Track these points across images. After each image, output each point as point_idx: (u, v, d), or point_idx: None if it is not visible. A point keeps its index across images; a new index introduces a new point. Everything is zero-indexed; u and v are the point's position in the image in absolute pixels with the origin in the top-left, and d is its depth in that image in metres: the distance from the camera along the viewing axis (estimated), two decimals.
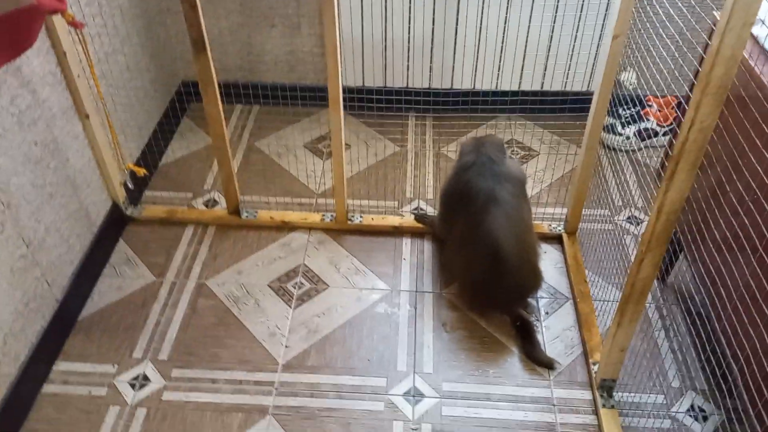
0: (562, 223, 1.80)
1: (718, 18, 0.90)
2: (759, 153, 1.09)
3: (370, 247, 1.78)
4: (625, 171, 2.06)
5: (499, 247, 1.46)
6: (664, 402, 1.41)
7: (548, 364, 1.48)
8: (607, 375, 1.37)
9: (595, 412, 1.39)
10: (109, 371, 1.46)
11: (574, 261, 1.71)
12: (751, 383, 1.11)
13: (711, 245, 1.28)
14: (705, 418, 1.38)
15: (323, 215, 1.84)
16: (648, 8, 1.41)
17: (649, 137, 2.12)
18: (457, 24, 2.04)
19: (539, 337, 1.54)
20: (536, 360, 1.49)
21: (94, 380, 1.44)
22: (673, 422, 1.37)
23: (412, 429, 1.36)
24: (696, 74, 1.14)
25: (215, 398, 1.41)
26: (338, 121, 1.58)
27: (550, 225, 1.81)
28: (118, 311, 1.59)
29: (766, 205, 1.07)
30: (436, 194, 1.95)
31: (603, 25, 2.01)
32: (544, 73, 2.14)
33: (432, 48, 2.10)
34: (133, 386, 1.43)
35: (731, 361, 1.22)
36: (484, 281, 1.52)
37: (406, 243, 1.79)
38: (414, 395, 1.42)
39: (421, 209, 1.91)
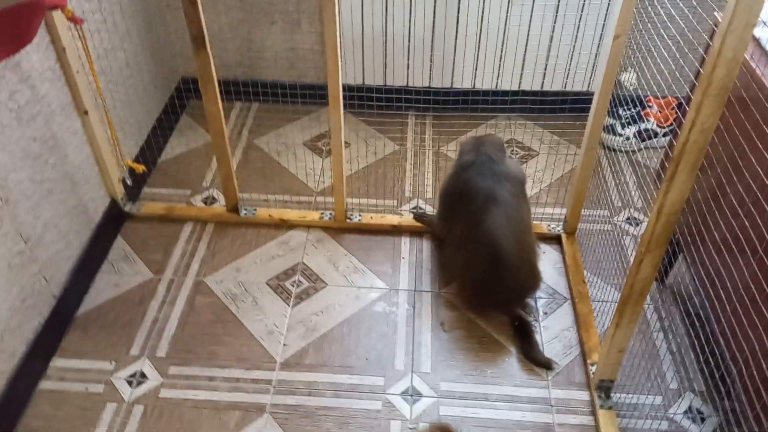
0: (561, 223, 1.80)
1: (720, 19, 0.90)
2: (760, 155, 1.09)
3: (369, 246, 1.77)
4: (625, 172, 2.06)
5: (498, 247, 1.46)
6: (662, 403, 1.41)
7: (546, 365, 1.48)
8: (605, 376, 1.37)
9: (593, 413, 1.39)
10: (107, 368, 1.45)
11: (572, 261, 1.70)
12: (749, 385, 1.11)
13: (710, 246, 1.28)
14: (702, 420, 1.38)
15: (322, 213, 1.83)
16: (649, 8, 1.40)
17: (650, 138, 2.12)
18: (457, 23, 2.04)
19: (537, 337, 1.54)
20: (534, 360, 1.49)
21: (91, 377, 1.44)
22: (671, 424, 1.37)
23: (410, 428, 1.36)
24: (697, 75, 1.13)
25: (213, 396, 1.41)
26: (338, 120, 1.58)
27: (549, 225, 1.81)
28: (116, 308, 1.59)
29: (766, 207, 1.07)
30: (435, 193, 1.94)
31: (604, 25, 2.01)
32: (545, 73, 2.14)
33: (432, 47, 2.10)
34: (130, 383, 1.43)
35: (730, 363, 1.21)
36: (483, 281, 1.52)
37: (405, 242, 1.79)
38: (412, 394, 1.42)
39: (420, 208, 1.90)
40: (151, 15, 2.02)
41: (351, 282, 1.67)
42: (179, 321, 1.56)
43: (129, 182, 1.81)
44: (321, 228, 1.82)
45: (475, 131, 2.19)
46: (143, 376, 1.44)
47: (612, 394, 1.39)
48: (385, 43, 2.10)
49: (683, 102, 1.26)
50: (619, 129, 2.13)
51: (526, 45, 2.07)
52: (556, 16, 2.01)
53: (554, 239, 1.80)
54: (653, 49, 1.42)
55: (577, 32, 2.04)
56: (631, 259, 1.72)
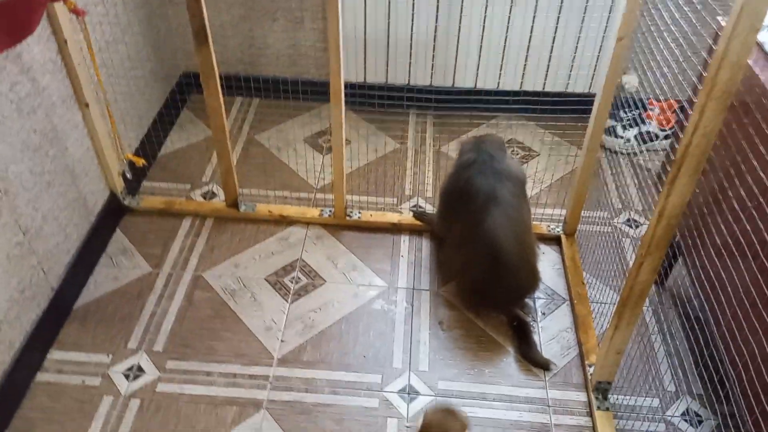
0: (561, 224, 1.80)
1: (723, 23, 0.90)
2: (762, 159, 1.09)
3: (368, 244, 1.77)
4: (625, 174, 2.06)
5: (498, 247, 1.46)
6: (659, 406, 1.41)
7: (544, 365, 1.48)
8: (602, 377, 1.37)
9: (590, 414, 1.39)
10: (104, 361, 1.45)
11: (572, 263, 1.71)
12: (748, 389, 1.11)
13: (711, 250, 1.28)
14: (700, 423, 1.38)
15: (322, 210, 1.83)
16: (652, 11, 1.40)
17: (650, 140, 2.12)
18: (460, 22, 2.04)
19: (536, 337, 1.54)
20: (532, 360, 1.49)
21: (89, 370, 1.43)
22: (668, 426, 1.37)
23: (407, 426, 1.36)
24: (700, 78, 1.13)
25: (210, 391, 1.41)
26: (339, 117, 1.58)
27: (548, 226, 1.81)
28: (114, 301, 1.59)
29: None
30: (436, 192, 1.94)
31: (606, 26, 2.01)
32: (547, 74, 2.14)
33: (435, 45, 2.10)
34: (127, 377, 1.42)
35: (729, 366, 1.22)
36: (483, 280, 1.52)
37: (404, 240, 1.79)
38: (409, 393, 1.42)
39: (420, 207, 1.90)
40: (152, 9, 2.01)
41: (350, 279, 1.67)
42: (177, 315, 1.56)
43: (129, 176, 1.81)
44: (320, 225, 1.82)
45: (475, 131, 2.19)
46: (140, 369, 1.44)
47: (609, 396, 1.39)
48: (388, 40, 2.10)
49: (686, 105, 1.26)
50: (620, 131, 2.13)
51: (529, 45, 2.07)
52: (559, 17, 2.01)
53: (554, 240, 1.80)
54: (656, 52, 1.42)
55: (580, 33, 2.03)
56: (631, 262, 1.72)
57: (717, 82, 0.90)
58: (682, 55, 1.36)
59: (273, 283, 1.65)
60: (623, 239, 1.81)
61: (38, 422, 1.33)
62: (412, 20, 2.04)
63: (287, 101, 2.28)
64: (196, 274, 1.67)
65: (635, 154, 2.12)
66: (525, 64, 2.12)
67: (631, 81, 1.93)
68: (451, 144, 2.15)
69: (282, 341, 1.51)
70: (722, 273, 1.22)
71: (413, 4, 2.01)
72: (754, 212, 1.11)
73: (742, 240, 1.15)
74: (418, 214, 1.83)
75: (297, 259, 1.72)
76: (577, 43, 2.06)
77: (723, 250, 1.22)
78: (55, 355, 1.46)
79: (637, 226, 1.86)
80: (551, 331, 1.56)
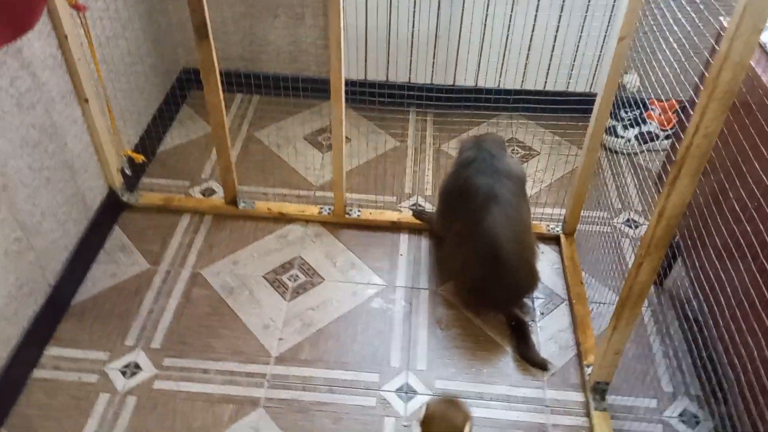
0: (561, 224, 1.80)
1: (725, 23, 0.89)
2: (764, 160, 1.09)
3: (367, 242, 1.77)
4: (625, 174, 2.06)
5: (498, 246, 1.46)
6: (657, 406, 1.41)
7: (542, 365, 1.48)
8: (600, 378, 1.37)
9: (588, 415, 1.38)
10: (101, 358, 1.45)
11: (570, 262, 1.70)
12: (747, 392, 1.11)
13: (711, 251, 1.28)
14: (697, 423, 1.37)
15: (321, 208, 1.83)
16: (655, 11, 1.40)
17: (652, 140, 2.11)
18: (462, 20, 2.03)
19: (534, 337, 1.54)
20: (530, 360, 1.49)
21: (86, 366, 1.43)
22: (665, 427, 1.37)
23: (404, 426, 1.36)
24: (701, 78, 1.13)
25: (207, 389, 1.40)
26: (339, 114, 1.57)
27: (548, 225, 1.80)
28: (112, 298, 1.58)
29: None
30: (435, 191, 1.94)
31: (608, 26, 2.00)
32: (548, 73, 2.13)
33: (436, 43, 2.09)
34: (124, 374, 1.42)
35: (728, 368, 1.21)
36: (482, 280, 1.51)
37: (404, 239, 1.78)
38: (406, 392, 1.42)
39: (420, 205, 1.90)
40: (153, 3, 2.01)
41: (348, 278, 1.67)
42: (175, 312, 1.56)
43: (128, 172, 1.80)
44: (320, 223, 1.82)
45: (476, 129, 2.18)
46: (137, 367, 1.44)
47: (607, 396, 1.39)
48: (389, 38, 2.09)
49: (687, 105, 1.26)
50: (620, 131, 2.12)
51: (530, 44, 2.07)
52: (561, 15, 2.00)
53: (553, 239, 1.79)
54: (658, 52, 1.41)
55: (582, 32, 2.03)
56: (630, 262, 1.72)
57: (719, 83, 0.90)
58: (684, 55, 1.35)
59: (271, 280, 1.65)
60: (622, 239, 1.81)
61: (35, 419, 1.33)
62: (413, 18, 2.04)
63: (287, 98, 2.27)
64: (195, 271, 1.66)
65: (635, 154, 2.12)
66: (526, 63, 2.11)
67: (632, 81, 1.92)
68: (451, 142, 2.14)
69: (280, 339, 1.51)
70: (722, 274, 1.22)
71: (414, 2, 2.00)
72: (754, 213, 1.11)
73: (742, 241, 1.14)
74: (418, 213, 1.82)
75: (296, 257, 1.72)
76: (579, 42, 2.05)
77: (723, 251, 1.22)
78: (52, 351, 1.46)
79: (636, 227, 1.85)
80: (549, 331, 1.56)
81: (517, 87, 2.17)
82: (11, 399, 1.35)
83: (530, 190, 1.93)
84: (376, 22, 2.05)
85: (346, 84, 1.55)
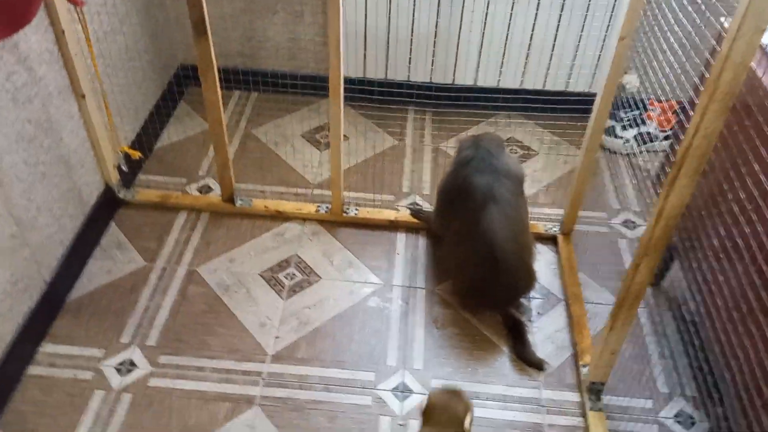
0: (558, 224, 1.80)
1: (726, 24, 0.89)
2: (763, 162, 1.09)
3: (365, 241, 1.76)
4: (623, 174, 2.05)
5: (496, 246, 1.45)
6: (652, 407, 1.41)
7: (538, 365, 1.47)
8: (596, 378, 1.37)
9: (583, 415, 1.38)
10: (96, 355, 1.44)
11: (567, 263, 1.70)
12: (743, 394, 1.10)
13: (708, 253, 1.28)
14: (693, 424, 1.37)
15: (318, 206, 1.82)
16: (656, 10, 1.39)
17: (651, 141, 2.11)
18: (461, 18, 2.02)
19: (530, 337, 1.53)
20: (526, 360, 1.48)
21: (81, 363, 1.42)
22: (661, 427, 1.37)
23: (399, 425, 1.35)
24: (701, 79, 1.13)
25: (202, 386, 1.40)
26: (338, 112, 1.57)
27: (545, 225, 1.80)
28: (107, 295, 1.58)
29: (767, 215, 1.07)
30: (433, 190, 1.93)
31: (609, 25, 2.00)
32: (547, 73, 2.13)
33: (435, 41, 2.08)
34: (119, 371, 1.41)
35: (724, 369, 1.21)
36: (479, 279, 1.51)
37: (401, 238, 1.78)
38: (402, 391, 1.41)
39: (418, 204, 1.89)
40: None
41: (345, 276, 1.66)
42: (171, 310, 1.55)
43: (124, 168, 1.79)
44: (317, 221, 1.81)
45: (475, 129, 2.18)
46: (132, 364, 1.43)
47: (602, 396, 1.39)
48: (388, 36, 2.08)
49: (687, 105, 1.25)
50: (619, 131, 2.12)
51: (530, 43, 2.06)
52: (561, 14, 1.99)
53: (550, 240, 1.79)
54: (659, 52, 1.41)
55: (582, 32, 2.02)
56: (626, 263, 1.72)
57: (720, 84, 0.89)
58: (684, 55, 1.35)
59: (268, 278, 1.64)
60: (619, 240, 1.81)
61: (30, 416, 1.32)
62: (413, 16, 2.03)
63: (285, 95, 2.26)
64: (191, 268, 1.66)
65: (634, 154, 2.12)
66: (526, 62, 2.11)
67: (631, 81, 1.92)
68: (449, 141, 2.14)
69: (276, 337, 1.50)
70: (719, 276, 1.22)
71: (414, 0, 2.00)
72: (753, 215, 1.11)
73: (741, 243, 1.14)
74: (416, 212, 1.82)
75: (293, 255, 1.71)
76: (579, 42, 2.05)
77: (721, 253, 1.22)
78: (47, 348, 1.45)
79: (633, 227, 1.85)
80: (546, 331, 1.56)
81: (517, 86, 2.16)
82: (6, 396, 1.34)
83: (528, 189, 1.93)
84: (375, 20, 2.05)
85: (345, 82, 1.55)
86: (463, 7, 2.00)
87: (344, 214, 1.80)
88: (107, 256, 1.67)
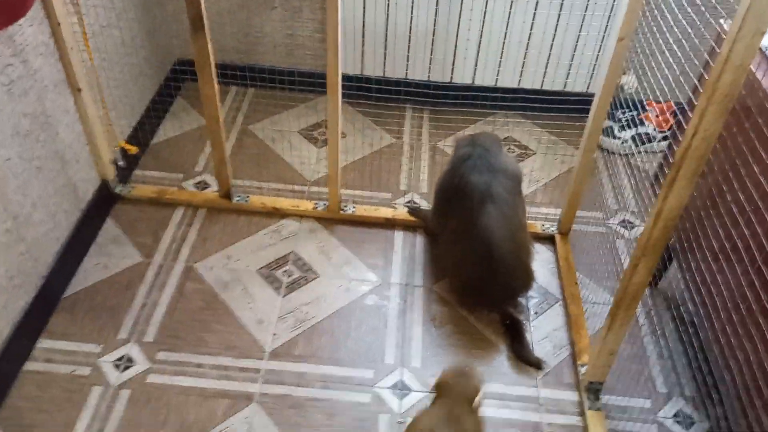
0: (556, 223, 1.80)
1: (725, 26, 0.89)
2: (762, 164, 1.09)
3: (362, 238, 1.76)
4: (621, 175, 2.06)
5: (493, 245, 1.45)
6: (651, 407, 1.41)
7: (536, 364, 1.48)
8: (594, 377, 1.37)
9: (582, 414, 1.39)
10: (93, 351, 1.43)
11: (565, 262, 1.70)
12: (743, 394, 1.11)
13: (707, 254, 1.28)
14: (691, 424, 1.38)
15: (315, 203, 1.82)
16: (656, 11, 1.40)
17: (649, 141, 2.12)
18: (460, 17, 2.02)
19: (528, 336, 1.54)
20: (524, 359, 1.49)
21: (78, 359, 1.42)
22: (659, 427, 1.38)
23: (398, 422, 1.35)
24: (700, 81, 1.13)
25: (200, 383, 1.39)
26: (335, 109, 1.56)
27: (543, 225, 1.80)
28: (104, 291, 1.57)
29: (767, 216, 1.07)
30: (431, 188, 1.93)
31: (608, 26, 2.00)
32: (545, 72, 2.13)
33: (434, 40, 2.08)
34: (117, 367, 1.41)
35: (723, 370, 1.22)
36: (477, 278, 1.51)
37: (398, 236, 1.78)
38: (401, 389, 1.42)
39: (415, 203, 1.89)
40: None
41: (343, 274, 1.66)
42: (168, 306, 1.54)
43: (121, 163, 1.78)
44: (314, 218, 1.81)
45: (472, 128, 2.18)
46: (130, 360, 1.42)
47: (601, 396, 1.39)
48: (386, 33, 2.08)
49: (686, 107, 1.26)
50: (616, 132, 2.12)
51: (528, 43, 2.06)
52: (560, 14, 2.00)
53: (548, 239, 1.79)
54: (658, 53, 1.41)
55: (581, 32, 2.03)
56: (624, 263, 1.73)
57: (719, 86, 0.90)
58: (684, 56, 1.35)
59: (265, 275, 1.64)
60: (617, 240, 1.81)
61: (26, 411, 1.32)
62: (412, 13, 2.03)
63: (283, 92, 2.25)
64: (188, 265, 1.65)
65: (632, 155, 2.12)
66: (524, 62, 2.11)
67: (630, 82, 1.92)
68: (447, 140, 2.14)
69: (274, 335, 1.50)
70: (717, 277, 1.22)
71: None
72: (752, 216, 1.11)
73: (740, 244, 1.14)
74: (413, 210, 1.82)
75: (290, 252, 1.71)
76: (577, 42, 2.05)
77: (719, 254, 1.22)
78: (43, 344, 1.44)
79: (631, 228, 1.86)
80: (544, 331, 1.56)
81: (515, 86, 2.16)
82: (3, 392, 1.33)
83: (526, 189, 1.93)
84: (374, 17, 2.04)
85: (343, 79, 1.54)
86: (461, 5, 2.00)
87: (341, 212, 1.79)
88: (103, 251, 1.66)
